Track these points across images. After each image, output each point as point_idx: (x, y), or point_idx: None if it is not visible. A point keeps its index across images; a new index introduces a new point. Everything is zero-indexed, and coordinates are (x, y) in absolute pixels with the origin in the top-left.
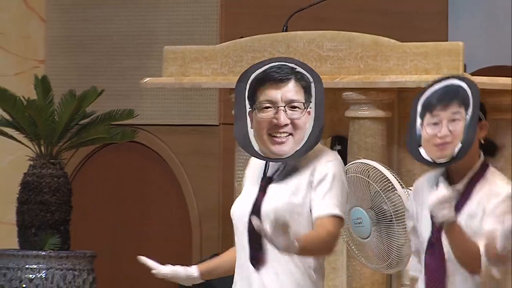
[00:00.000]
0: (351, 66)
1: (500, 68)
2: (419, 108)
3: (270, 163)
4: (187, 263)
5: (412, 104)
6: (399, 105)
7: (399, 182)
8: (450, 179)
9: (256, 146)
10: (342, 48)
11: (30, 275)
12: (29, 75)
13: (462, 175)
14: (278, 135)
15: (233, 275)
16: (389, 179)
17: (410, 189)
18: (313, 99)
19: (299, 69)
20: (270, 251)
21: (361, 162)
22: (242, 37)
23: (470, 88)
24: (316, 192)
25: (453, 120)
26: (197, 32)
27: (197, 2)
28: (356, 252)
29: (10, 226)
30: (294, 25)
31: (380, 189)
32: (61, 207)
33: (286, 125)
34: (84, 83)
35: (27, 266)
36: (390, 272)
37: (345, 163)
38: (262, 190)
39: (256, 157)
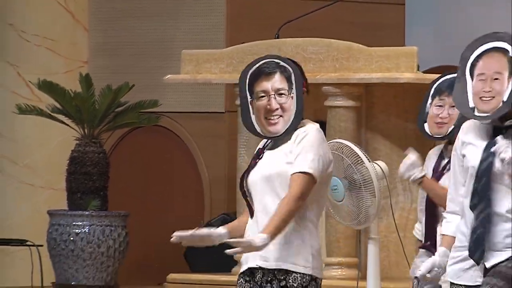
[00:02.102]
0: (329, 66)
1: (446, 67)
2: (432, 90)
3: (263, 141)
4: (200, 221)
5: (428, 86)
6: (366, 96)
7: (366, 157)
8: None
9: (258, 128)
10: (321, 52)
11: (76, 230)
12: (75, 73)
13: None
14: (272, 117)
15: None
16: (358, 155)
17: (376, 163)
18: (294, 86)
19: (282, 63)
20: (261, 205)
21: (337, 141)
22: (243, 43)
23: None
24: (294, 153)
25: (453, 106)
26: (207, 39)
27: (207, 16)
28: (333, 212)
29: (61, 192)
30: (284, 33)
31: (352, 163)
32: (100, 176)
33: (276, 109)
34: (118, 79)
35: (74, 223)
36: (359, 228)
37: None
38: (257, 158)
39: (259, 137)
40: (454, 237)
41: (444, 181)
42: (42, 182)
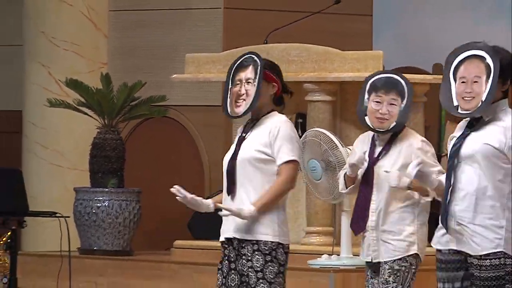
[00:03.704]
0: (309, 67)
1: (407, 68)
2: (368, 86)
3: (245, 126)
4: (201, 197)
5: (362, 84)
6: (341, 93)
7: (340, 143)
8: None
9: (229, 109)
10: (303, 55)
11: (98, 204)
12: (97, 73)
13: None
14: (238, 101)
15: None
16: (333, 141)
17: (348, 148)
18: (257, 76)
19: (256, 58)
20: (239, 186)
21: (315, 130)
22: (237, 48)
23: (406, 86)
24: (274, 147)
25: (391, 104)
26: (207, 45)
27: (207, 25)
28: (312, 189)
29: (85, 172)
30: (272, 40)
31: (328, 148)
32: (118, 159)
33: (243, 94)
34: (133, 78)
35: (95, 198)
36: (334, 202)
37: (305, 131)
38: (238, 144)
39: (228, 117)
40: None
41: (380, 165)
42: (69, 164)
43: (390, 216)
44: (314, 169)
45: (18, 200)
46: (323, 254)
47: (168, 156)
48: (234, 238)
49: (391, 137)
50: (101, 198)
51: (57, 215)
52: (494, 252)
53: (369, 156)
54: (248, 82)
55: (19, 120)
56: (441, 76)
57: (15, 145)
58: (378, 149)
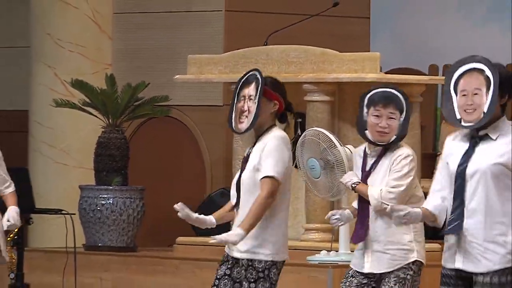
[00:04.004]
0: (308, 68)
1: (401, 69)
2: (366, 101)
3: (247, 147)
4: (203, 194)
5: (360, 99)
6: (339, 93)
7: (338, 142)
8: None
9: (233, 124)
10: (302, 56)
11: (103, 202)
12: (101, 74)
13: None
14: (241, 117)
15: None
16: (332, 140)
17: (346, 147)
18: (258, 94)
19: (258, 75)
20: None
21: (314, 129)
22: (238, 49)
23: (404, 100)
24: (261, 162)
25: (390, 118)
26: (209, 46)
27: (208, 27)
28: (311, 187)
29: (90, 171)
30: (272, 41)
31: (326, 146)
32: (122, 158)
33: (245, 110)
34: (137, 78)
35: (100, 196)
36: (332, 199)
37: (304, 130)
38: (243, 164)
39: (233, 132)
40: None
41: (373, 179)
42: (75, 163)
43: (387, 227)
44: (313, 168)
45: (25, 198)
46: (321, 250)
47: (171, 154)
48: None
49: (382, 150)
50: (105, 196)
51: (63, 212)
52: (505, 268)
53: (361, 170)
54: (250, 99)
55: (25, 119)
56: (436, 77)
57: (22, 144)
58: (370, 162)
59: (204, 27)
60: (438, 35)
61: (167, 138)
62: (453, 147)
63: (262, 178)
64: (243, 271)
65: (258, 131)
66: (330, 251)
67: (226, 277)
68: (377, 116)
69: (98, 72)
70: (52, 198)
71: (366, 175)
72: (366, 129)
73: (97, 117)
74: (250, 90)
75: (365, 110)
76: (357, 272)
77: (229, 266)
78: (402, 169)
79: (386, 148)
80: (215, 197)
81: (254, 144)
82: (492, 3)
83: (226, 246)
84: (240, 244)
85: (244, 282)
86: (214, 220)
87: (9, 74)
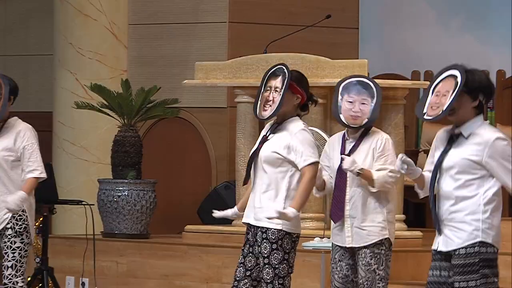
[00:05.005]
0: (303, 73)
1: (387, 75)
2: (340, 89)
3: (266, 127)
4: (208, 187)
5: (335, 86)
6: (330, 96)
7: None
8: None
9: (257, 111)
10: (298, 63)
11: (119, 193)
12: (118, 79)
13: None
14: (265, 106)
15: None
16: (324, 138)
17: (315, 129)
18: (284, 87)
19: (285, 70)
20: (257, 178)
21: (310, 129)
22: (240, 57)
23: (375, 87)
24: (295, 152)
25: (362, 103)
26: (214, 54)
27: (214, 37)
28: None
29: (107, 166)
30: (271, 50)
31: (320, 144)
32: (136, 154)
33: (270, 100)
34: (149, 83)
35: (117, 188)
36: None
37: None
38: (261, 143)
39: (256, 117)
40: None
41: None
42: (94, 158)
43: (362, 206)
44: None
45: (49, 190)
46: (315, 237)
47: (180, 151)
48: (250, 224)
49: (360, 135)
50: (121, 188)
51: (83, 203)
52: (474, 242)
53: (341, 153)
54: (276, 90)
55: (50, 120)
56: (419, 82)
57: (47, 142)
58: (349, 146)
59: (210, 37)
60: (419, 44)
61: (176, 136)
62: (438, 144)
63: (305, 166)
64: (258, 247)
65: (281, 118)
66: (322, 238)
67: (250, 254)
68: (350, 102)
69: (114, 78)
70: (74, 190)
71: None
72: (341, 113)
73: (114, 117)
74: (277, 82)
75: (339, 97)
76: (339, 247)
77: (251, 243)
78: (387, 152)
79: (363, 134)
80: (219, 189)
81: (275, 128)
82: (466, 16)
83: (244, 218)
84: (256, 213)
85: (260, 258)
86: (237, 211)
87: (36, 79)
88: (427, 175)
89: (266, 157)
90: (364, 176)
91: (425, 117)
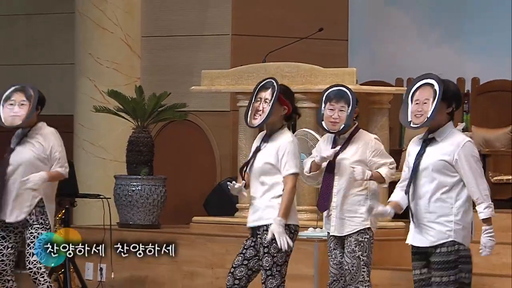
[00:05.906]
0: (298, 81)
1: (374, 82)
2: (324, 98)
3: (258, 138)
4: (213, 183)
5: (320, 96)
6: None
7: None
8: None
9: (248, 120)
10: (293, 71)
11: (133, 188)
12: (132, 86)
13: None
14: (256, 115)
15: None
16: (317, 138)
17: (307, 130)
18: (273, 98)
19: (275, 83)
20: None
21: (304, 130)
22: (242, 66)
23: (351, 96)
24: (281, 162)
25: (341, 110)
26: (218, 63)
27: (218, 48)
28: (301, 176)
29: (123, 163)
30: (269, 59)
31: (313, 144)
32: (148, 153)
33: (260, 110)
34: (160, 89)
35: (131, 183)
36: (318, 186)
37: (295, 131)
38: (255, 154)
39: (247, 126)
40: (395, 201)
41: (340, 157)
42: (111, 157)
43: (348, 198)
44: (302, 161)
45: (70, 185)
46: (309, 228)
47: (188, 150)
48: (252, 227)
49: (349, 136)
50: (135, 184)
51: (101, 197)
52: (446, 242)
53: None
54: (266, 101)
55: (71, 122)
56: (402, 88)
57: (68, 142)
58: (338, 146)
59: (215, 48)
60: (402, 55)
61: (184, 137)
62: (411, 150)
63: (287, 175)
64: (259, 239)
65: (270, 128)
66: (316, 228)
67: (251, 247)
68: (331, 109)
69: (129, 84)
70: (93, 185)
71: (335, 155)
72: (323, 120)
73: (129, 120)
74: (267, 94)
75: (323, 105)
76: (333, 236)
77: (253, 238)
78: (379, 150)
79: (352, 135)
80: (223, 184)
81: (267, 139)
82: (444, 29)
83: (248, 223)
84: (254, 216)
85: (260, 249)
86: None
87: (59, 86)
88: (401, 196)
89: (260, 168)
90: (374, 177)
91: (412, 125)
